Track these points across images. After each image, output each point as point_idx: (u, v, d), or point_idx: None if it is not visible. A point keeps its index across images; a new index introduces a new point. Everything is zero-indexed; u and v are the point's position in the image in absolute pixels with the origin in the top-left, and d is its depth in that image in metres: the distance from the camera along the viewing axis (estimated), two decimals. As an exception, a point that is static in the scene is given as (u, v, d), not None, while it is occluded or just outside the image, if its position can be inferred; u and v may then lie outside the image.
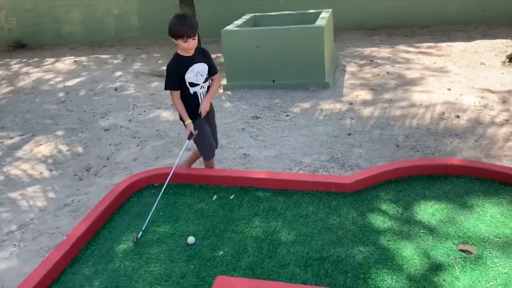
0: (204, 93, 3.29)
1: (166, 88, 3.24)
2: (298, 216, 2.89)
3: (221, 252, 2.64)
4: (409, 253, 2.51)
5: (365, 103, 5.26)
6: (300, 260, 2.52)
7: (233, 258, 2.58)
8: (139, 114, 5.57)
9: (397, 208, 2.92)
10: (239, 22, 6.57)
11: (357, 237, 2.67)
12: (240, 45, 6.01)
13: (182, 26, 3.04)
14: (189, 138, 3.25)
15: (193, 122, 3.23)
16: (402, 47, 7.42)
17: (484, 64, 6.22)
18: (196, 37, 3.10)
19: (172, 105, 5.75)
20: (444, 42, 7.52)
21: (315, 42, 5.74)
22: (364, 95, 5.51)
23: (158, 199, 3.00)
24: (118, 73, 7.45)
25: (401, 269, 2.40)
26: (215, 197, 3.18)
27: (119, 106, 5.92)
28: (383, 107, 5.09)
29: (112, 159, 4.46)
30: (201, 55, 3.25)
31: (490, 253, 2.46)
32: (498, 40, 7.28)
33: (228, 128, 4.87)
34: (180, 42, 3.08)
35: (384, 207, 2.95)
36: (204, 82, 3.26)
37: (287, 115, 5.08)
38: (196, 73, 3.20)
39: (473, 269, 2.36)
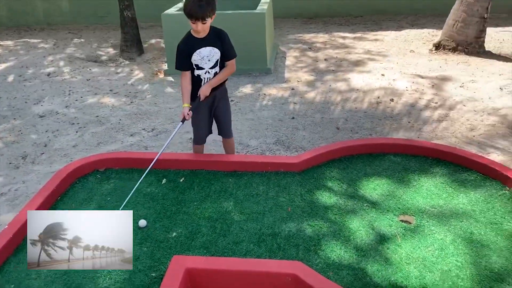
0: (209, 79, 3.11)
1: (176, 67, 3.11)
2: (249, 195, 2.95)
3: (174, 234, 2.64)
4: (355, 225, 2.66)
5: (306, 88, 5.41)
6: (254, 237, 2.59)
7: (187, 239, 2.60)
8: (76, 100, 5.34)
9: (342, 184, 3.08)
10: (179, 5, 6.46)
11: (306, 213, 2.78)
12: (182, 29, 5.78)
13: (192, 7, 2.86)
14: (182, 121, 3.10)
15: (195, 102, 3.11)
16: (338, 35, 7.69)
17: (414, 51, 6.63)
18: (207, 22, 2.94)
19: (111, 90, 5.58)
20: (376, 31, 7.90)
21: (256, 28, 5.79)
22: (305, 81, 5.67)
23: (139, 182, 2.88)
24: (50, 58, 7.06)
25: (348, 240, 2.55)
26: (164, 180, 3.16)
27: (53, 92, 5.63)
28: (323, 92, 5.27)
29: (50, 146, 4.25)
30: (215, 39, 3.07)
31: (427, 222, 2.67)
32: (425, 30, 7.77)
33: (173, 113, 4.82)
34: (190, 22, 2.93)
35: (330, 184, 3.09)
36: (211, 67, 3.09)
37: (232, 100, 5.11)
38: (203, 56, 3.03)
39: (413, 237, 2.55)
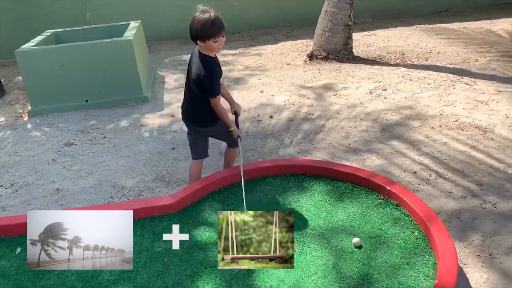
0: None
1: (216, 95, 2.93)
2: (120, 251, 2.64)
3: (29, 316, 2.25)
4: (237, 265, 2.48)
5: (186, 113, 5.19)
6: (125, 302, 2.29)
7: (46, 320, 2.22)
8: None
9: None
10: (38, 39, 5.90)
11: (185, 261, 2.54)
12: (41, 65, 5.38)
13: (217, 21, 2.74)
14: (240, 138, 3.20)
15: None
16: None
17: (290, 64, 6.76)
18: None
19: (-37, 143, 4.85)
20: (254, 46, 7.97)
21: (125, 55, 5.47)
22: (185, 105, 5.45)
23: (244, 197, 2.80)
24: None
25: (230, 285, 2.36)
26: (19, 249, 2.72)
27: None
28: (203, 115, 5.09)
29: None
30: None
31: (309, 247, 2.59)
32: (299, 41, 8.01)
33: (36, 161, 4.29)
34: (220, 38, 2.80)
35: (210, 220, 2.90)
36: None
37: (105, 137, 4.71)
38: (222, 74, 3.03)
39: (296, 267, 2.44)
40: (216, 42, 2.80)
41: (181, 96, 5.77)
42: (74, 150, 4.47)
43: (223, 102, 3.15)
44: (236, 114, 3.29)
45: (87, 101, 5.56)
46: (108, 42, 5.45)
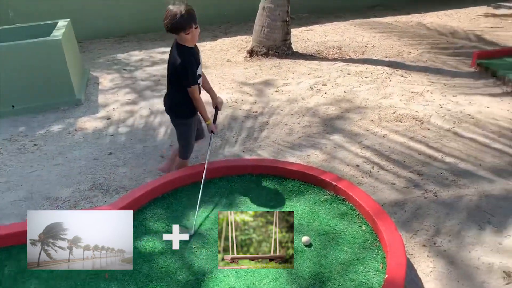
0: (199, 85, 3.07)
1: (191, 85, 2.91)
2: (55, 272, 2.42)
3: None
4: (184, 275, 2.36)
5: (124, 115, 4.95)
6: (63, 326, 2.10)
7: None
8: None
9: (167, 226, 2.76)
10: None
11: (128, 274, 2.38)
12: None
13: (187, 14, 2.73)
14: (214, 133, 3.22)
15: (192, 118, 3.15)
16: (154, 51, 7.34)
17: (230, 61, 6.65)
18: None
19: None
20: (192, 43, 7.77)
21: (54, 56, 5.10)
22: (121, 107, 5.20)
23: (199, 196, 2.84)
24: None
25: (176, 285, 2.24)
26: None
27: None
28: (142, 116, 4.88)
29: None
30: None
31: (259, 250, 2.51)
32: (238, 37, 7.93)
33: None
34: (192, 30, 2.79)
35: (154, 228, 2.75)
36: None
37: (35, 145, 4.37)
38: (201, 63, 3.03)
39: (246, 272, 2.36)
40: (188, 34, 2.81)
41: (117, 97, 5.54)
42: (0, 160, 4.10)
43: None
44: (217, 108, 3.31)
45: (13, 106, 5.14)
46: (34, 42, 5.06)
